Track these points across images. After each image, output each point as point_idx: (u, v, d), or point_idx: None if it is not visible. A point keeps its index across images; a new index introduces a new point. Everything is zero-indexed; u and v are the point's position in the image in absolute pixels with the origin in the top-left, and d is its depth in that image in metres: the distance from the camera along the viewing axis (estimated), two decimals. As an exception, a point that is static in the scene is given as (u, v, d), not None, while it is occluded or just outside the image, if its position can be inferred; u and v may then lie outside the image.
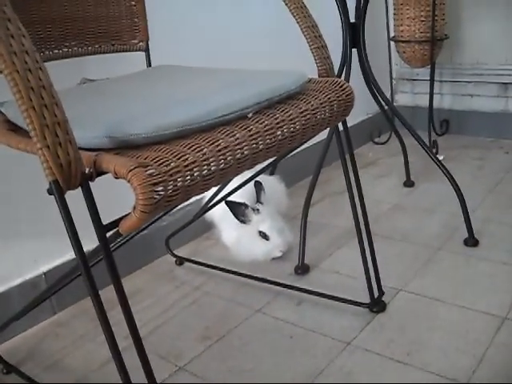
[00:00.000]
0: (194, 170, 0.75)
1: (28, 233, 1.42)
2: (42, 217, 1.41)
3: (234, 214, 1.60)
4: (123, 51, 1.35)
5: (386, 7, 2.56)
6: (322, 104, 1.00)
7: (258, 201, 1.66)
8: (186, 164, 0.74)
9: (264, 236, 1.60)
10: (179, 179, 0.73)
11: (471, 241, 1.64)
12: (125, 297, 0.77)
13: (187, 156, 0.75)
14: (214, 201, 1.54)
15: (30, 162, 1.19)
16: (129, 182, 0.69)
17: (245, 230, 1.62)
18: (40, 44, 1.21)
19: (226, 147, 0.80)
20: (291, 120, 0.93)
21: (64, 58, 1.27)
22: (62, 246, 1.46)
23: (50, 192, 0.71)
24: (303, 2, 1.15)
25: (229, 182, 1.46)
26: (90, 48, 1.31)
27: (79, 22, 1.27)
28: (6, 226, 1.38)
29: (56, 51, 1.25)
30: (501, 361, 1.15)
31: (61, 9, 1.23)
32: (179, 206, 1.73)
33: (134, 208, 0.70)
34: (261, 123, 0.88)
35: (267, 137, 0.87)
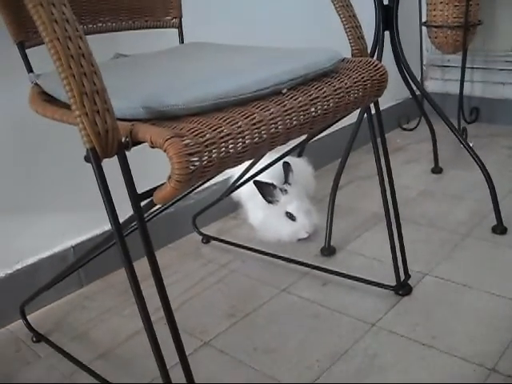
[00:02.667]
0: (229, 142, 0.75)
1: (58, 206, 1.44)
2: (73, 191, 1.43)
3: (261, 194, 1.61)
4: (156, 27, 1.35)
5: (419, -8, 2.53)
6: (355, 83, 1.00)
7: (286, 181, 1.66)
8: (221, 136, 0.74)
9: (291, 217, 1.61)
10: (214, 151, 0.73)
11: (500, 228, 1.62)
12: (156, 263, 0.78)
13: (222, 128, 0.75)
14: (242, 180, 1.55)
15: (61, 135, 1.21)
16: (165, 151, 0.69)
17: (272, 210, 1.62)
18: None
19: (260, 121, 0.80)
20: (325, 97, 0.93)
21: (98, 32, 1.27)
22: (90, 221, 1.49)
23: (86, 159, 0.72)
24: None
25: (260, 159, 1.47)
26: (123, 23, 1.31)
27: (113, -3, 1.28)
28: (35, 199, 1.40)
29: (90, 26, 1.26)
30: (528, 347, 1.15)
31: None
32: (206, 185, 1.74)
33: (169, 178, 0.70)
34: (295, 99, 0.88)
35: (301, 113, 0.87)
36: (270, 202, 1.61)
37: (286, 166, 1.67)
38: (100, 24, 1.28)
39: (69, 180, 1.42)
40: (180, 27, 1.35)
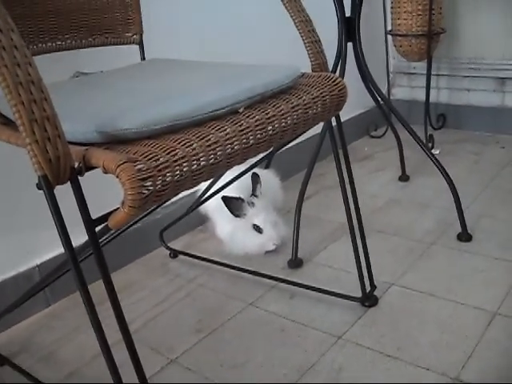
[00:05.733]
0: (184, 165, 0.75)
1: (22, 225, 1.42)
2: (36, 209, 1.41)
3: (229, 209, 1.60)
4: (117, 44, 1.34)
5: (384, 1, 2.55)
6: (314, 99, 1.01)
7: (254, 194, 1.66)
8: (175, 159, 0.74)
9: (258, 229, 1.61)
10: (168, 174, 0.73)
11: (464, 236, 1.64)
12: (113, 291, 0.78)
13: (177, 151, 0.75)
14: (209, 194, 1.54)
15: (24, 154, 1.20)
16: (117, 177, 0.69)
17: (239, 223, 1.62)
18: (33, 37, 1.21)
19: (215, 142, 0.80)
20: (282, 115, 0.93)
21: (58, 50, 1.26)
22: (55, 239, 1.46)
23: (38, 187, 0.71)
24: (297, -4, 1.15)
25: (223, 174, 1.47)
26: (83, 41, 1.30)
27: (73, 14, 1.27)
28: (-1, 218, 1.38)
29: (49, 44, 1.25)
30: (490, 356, 1.16)
31: (54, 2, 1.23)
32: (173, 199, 1.73)
33: (123, 203, 0.70)
34: (252, 118, 0.88)
35: (258, 132, 0.88)
36: (237, 215, 1.61)
37: (255, 177, 1.67)
38: (59, 42, 1.27)
39: (32, 198, 1.40)
40: (141, 44, 1.35)
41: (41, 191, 0.72)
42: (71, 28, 1.28)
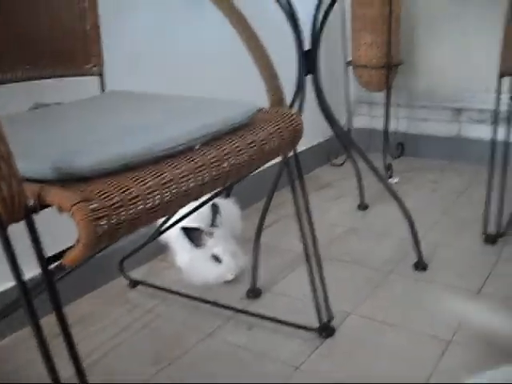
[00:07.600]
0: (138, 203, 0.76)
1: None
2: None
3: (188, 240, 1.61)
4: (77, 75, 1.35)
5: (343, 33, 2.61)
6: (270, 135, 1.03)
7: (213, 224, 1.67)
8: (130, 198, 0.75)
9: (217, 259, 1.61)
10: (123, 213, 0.74)
11: (421, 265, 1.68)
12: (67, 328, 0.77)
13: (131, 189, 0.76)
14: (169, 223, 1.55)
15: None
16: (72, 216, 0.70)
17: (198, 253, 1.63)
18: (-7, 67, 1.21)
19: (170, 180, 0.81)
20: (238, 151, 0.95)
21: (18, 81, 1.26)
22: (8, 271, 1.45)
23: (-8, 225, 0.71)
24: (254, 32, 1.18)
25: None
26: (43, 72, 1.31)
27: (33, 45, 1.27)
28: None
29: (9, 74, 1.25)
30: (443, 386, 1.19)
31: (16, 30, 1.23)
32: (134, 228, 1.73)
33: (78, 241, 0.71)
34: (207, 155, 0.89)
35: (213, 169, 0.89)
36: (197, 246, 1.62)
37: (215, 207, 1.69)
38: (19, 73, 1.27)
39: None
40: (101, 75, 1.36)
41: None
42: (32, 58, 1.28)
